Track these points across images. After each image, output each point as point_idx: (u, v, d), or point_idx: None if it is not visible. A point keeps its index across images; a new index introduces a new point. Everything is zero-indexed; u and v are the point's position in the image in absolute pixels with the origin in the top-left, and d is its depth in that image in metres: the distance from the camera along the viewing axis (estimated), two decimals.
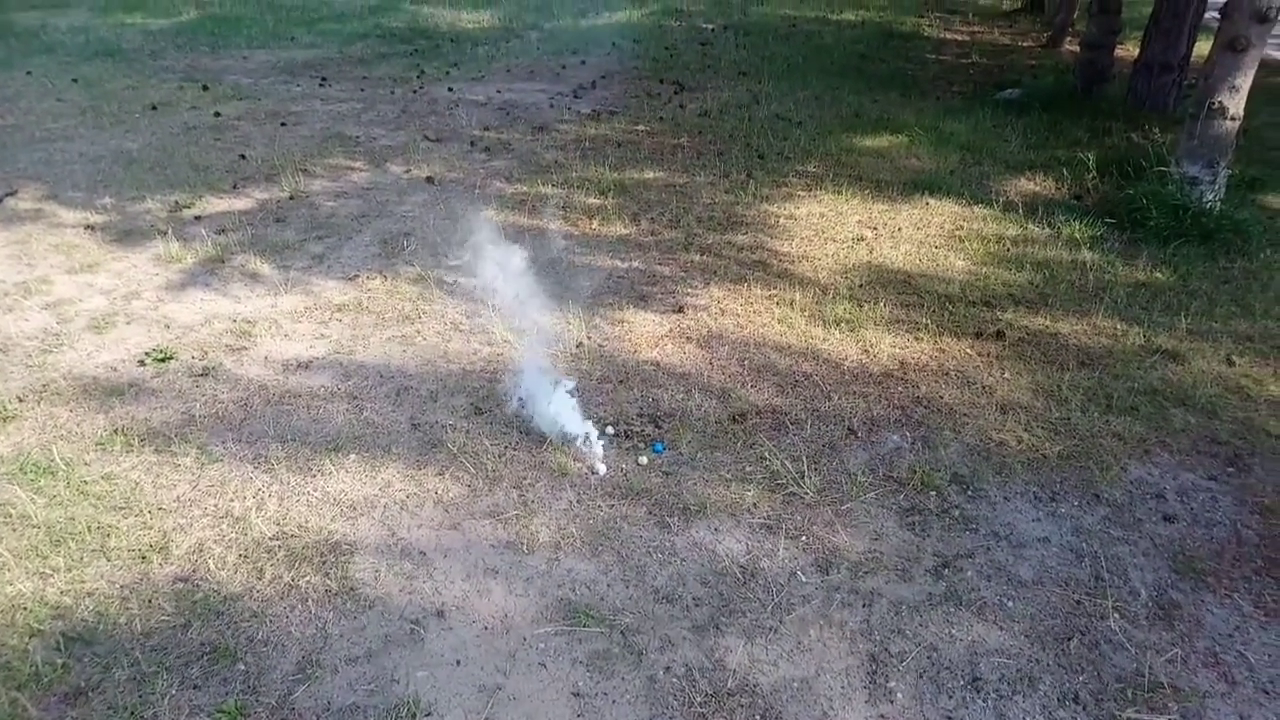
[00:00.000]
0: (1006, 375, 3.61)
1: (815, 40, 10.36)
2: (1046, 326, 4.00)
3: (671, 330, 3.93)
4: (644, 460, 3.05)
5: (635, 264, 4.57)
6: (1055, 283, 4.42)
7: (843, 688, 2.23)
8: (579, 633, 2.36)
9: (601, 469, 2.99)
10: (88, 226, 4.77)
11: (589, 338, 3.82)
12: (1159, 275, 4.49)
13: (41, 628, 2.31)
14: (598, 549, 2.65)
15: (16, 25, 9.58)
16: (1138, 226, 5.00)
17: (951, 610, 2.47)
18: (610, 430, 3.21)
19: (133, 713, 2.10)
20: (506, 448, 3.09)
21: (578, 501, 2.85)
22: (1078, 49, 8.61)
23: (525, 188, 5.55)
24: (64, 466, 2.90)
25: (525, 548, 2.65)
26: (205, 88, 7.57)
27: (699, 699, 2.18)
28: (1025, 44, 10.65)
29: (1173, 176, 5.12)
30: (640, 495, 2.89)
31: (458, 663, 2.26)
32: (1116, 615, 2.46)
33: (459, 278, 4.30)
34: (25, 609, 2.36)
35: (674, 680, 2.23)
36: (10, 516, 2.67)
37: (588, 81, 8.29)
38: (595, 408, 3.33)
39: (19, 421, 3.15)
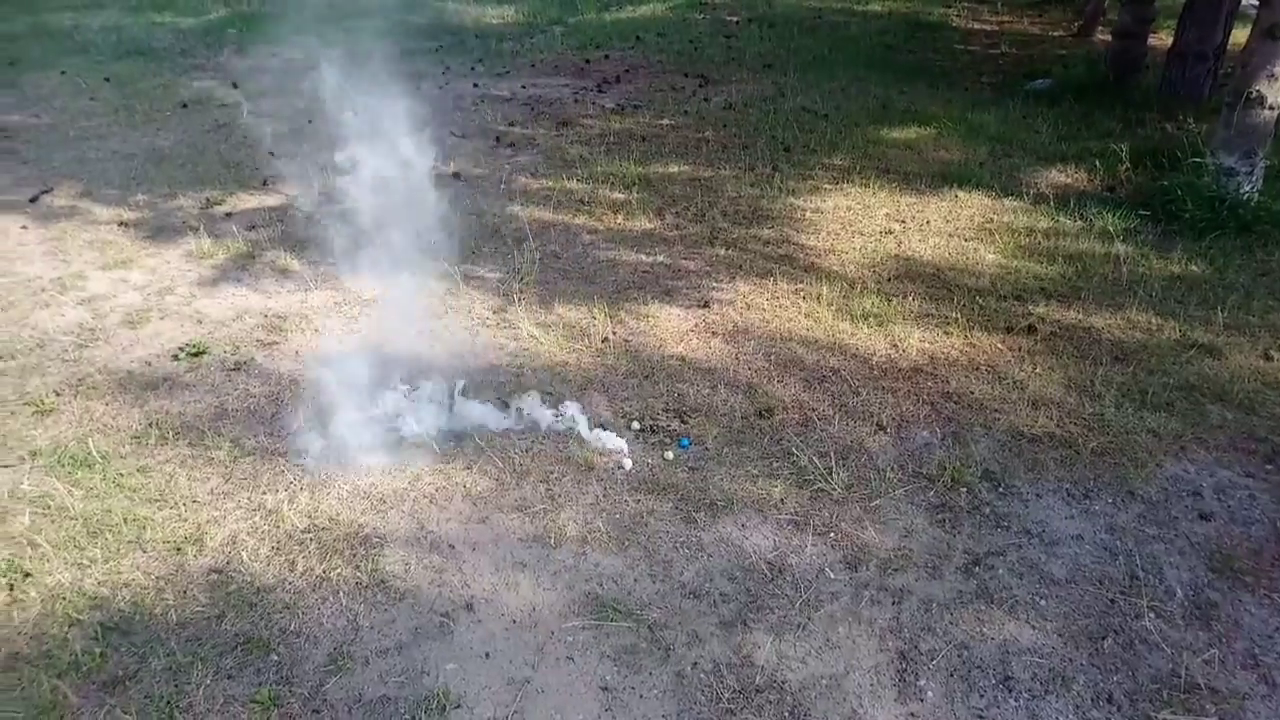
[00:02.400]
0: (1038, 370, 3.56)
1: (841, 32, 10.27)
2: (1079, 320, 3.94)
3: (697, 325, 3.92)
4: (670, 455, 3.05)
5: (660, 258, 4.56)
6: (1088, 276, 4.35)
7: (872, 685, 2.22)
8: (606, 627, 2.37)
9: (627, 464, 3.00)
10: (121, 223, 4.84)
11: (614, 333, 3.82)
12: (1195, 268, 4.41)
13: (80, 617, 2.36)
14: (624, 544, 2.66)
15: (50, 25, 9.74)
16: (1173, 219, 4.91)
17: (983, 608, 2.45)
18: (636, 425, 3.21)
19: (169, 702, 2.14)
20: (533, 442, 3.10)
21: (604, 496, 2.86)
22: (1109, 38, 8.45)
23: (550, 183, 5.56)
24: (100, 459, 2.95)
25: (552, 542, 2.66)
26: (235, 85, 7.66)
27: (727, 695, 2.18)
28: (1055, 34, 10.47)
29: (1209, 167, 5.02)
30: (666, 490, 2.89)
31: (487, 655, 2.28)
32: (1152, 614, 2.42)
33: (485, 273, 4.32)
34: (64, 599, 2.41)
35: (702, 676, 2.23)
36: (49, 508, 2.73)
37: (612, 76, 8.27)
38: (621, 403, 3.34)
39: (57, 415, 3.21)
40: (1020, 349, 3.72)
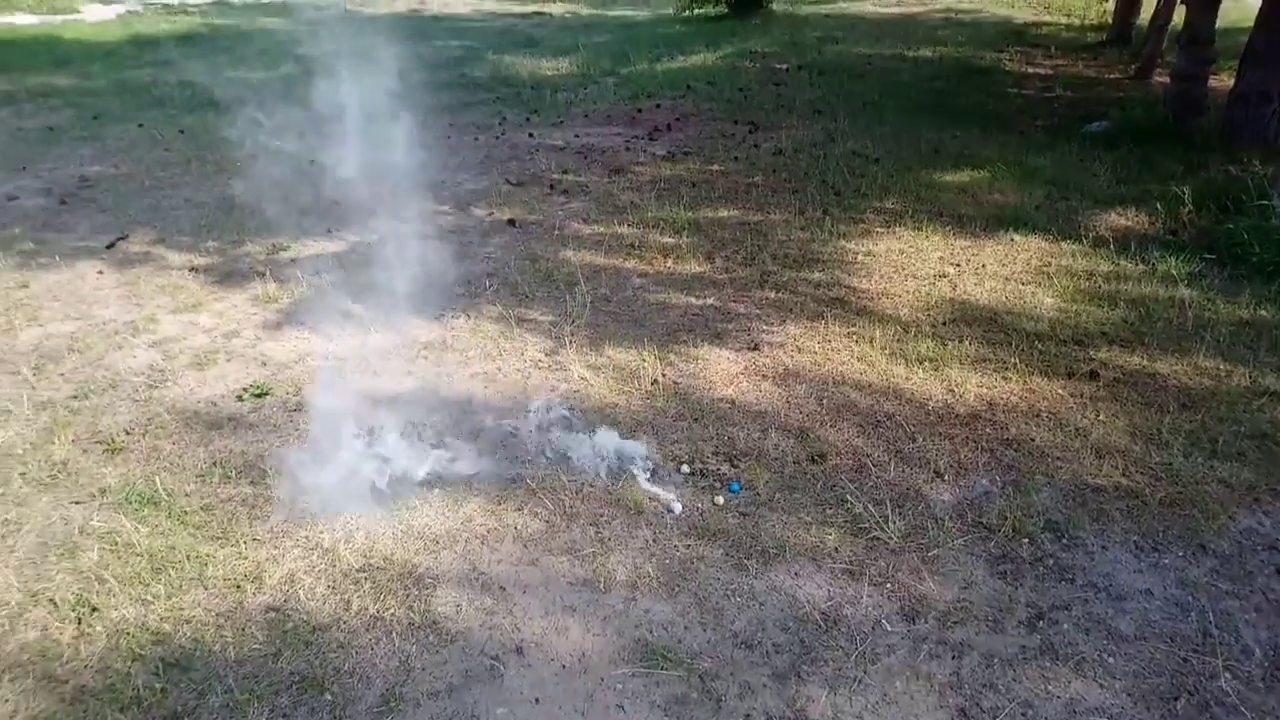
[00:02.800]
0: (1102, 417, 3.46)
1: (891, 77, 10.31)
2: (1144, 366, 3.83)
3: (747, 368, 3.91)
4: (720, 500, 3.03)
5: (710, 301, 4.58)
6: (1152, 320, 4.23)
7: None
8: (656, 675, 2.34)
9: (677, 508, 2.98)
10: (192, 268, 5.05)
11: (663, 375, 3.83)
12: (1264, 313, 4.26)
13: (143, 653, 2.41)
14: (674, 590, 2.63)
15: (131, 81, 10.30)
16: (1239, 262, 4.77)
17: (1047, 665, 2.36)
18: (685, 469, 3.20)
19: None
20: (583, 484, 3.11)
21: (653, 540, 2.85)
22: (1168, 80, 8.32)
23: (601, 228, 5.64)
24: (166, 497, 3.04)
25: (602, 586, 2.65)
26: (300, 136, 7.98)
27: None
28: (1112, 76, 10.36)
29: (1276, 210, 4.88)
30: (717, 536, 2.86)
31: (536, 701, 2.27)
32: (1228, 675, 2.31)
33: (537, 316, 4.39)
34: (129, 634, 2.47)
35: None
36: (116, 544, 2.81)
37: (663, 124, 8.41)
38: (670, 445, 3.33)
39: (126, 453, 3.33)
40: (1082, 395, 3.62)
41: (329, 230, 5.63)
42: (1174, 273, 4.71)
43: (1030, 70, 10.77)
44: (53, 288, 4.77)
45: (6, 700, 2.27)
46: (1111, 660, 2.37)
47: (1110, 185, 6.23)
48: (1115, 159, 6.75)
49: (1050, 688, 2.29)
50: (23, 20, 14.53)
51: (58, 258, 5.13)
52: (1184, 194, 5.56)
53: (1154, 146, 7.01)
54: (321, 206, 6.11)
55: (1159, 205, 5.66)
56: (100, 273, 4.99)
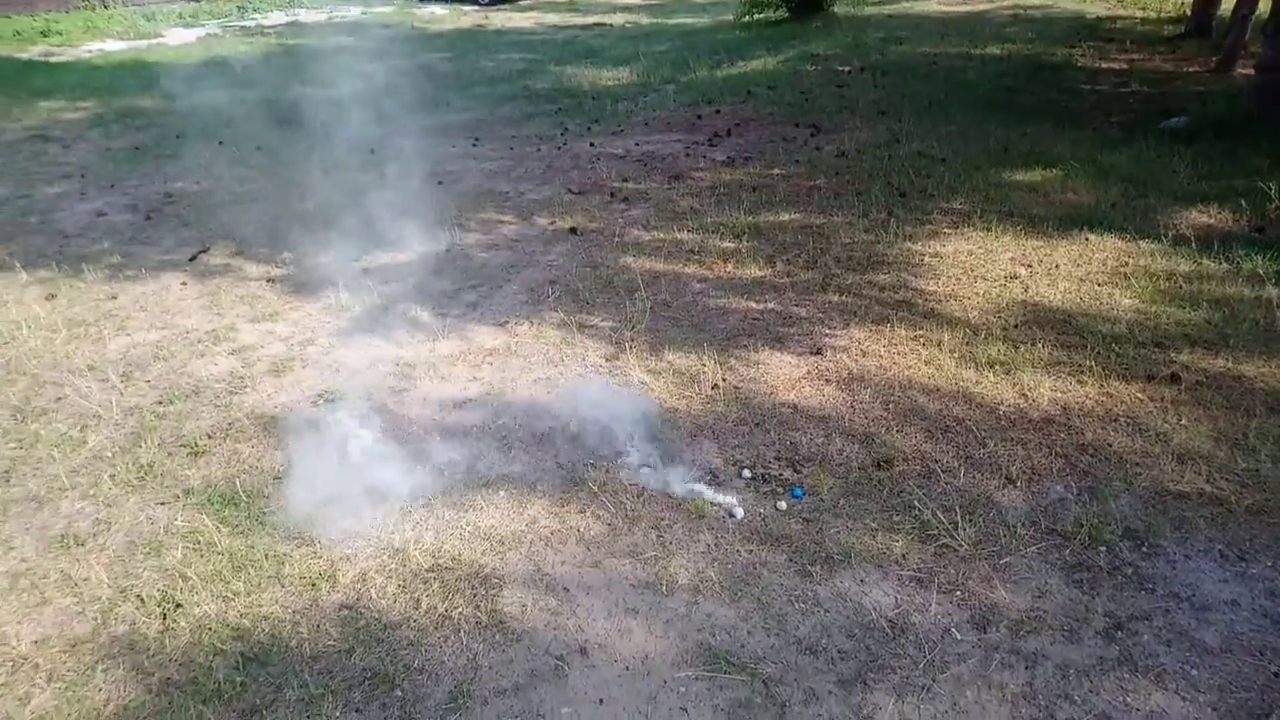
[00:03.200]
0: (1183, 422, 3.32)
1: (958, 76, 10.09)
2: (1228, 369, 3.67)
3: (809, 372, 3.87)
4: (783, 505, 3.01)
5: (771, 305, 4.55)
6: (1236, 321, 4.05)
7: None
8: (719, 679, 2.33)
9: (739, 513, 2.97)
10: (269, 279, 5.24)
11: (724, 379, 3.83)
12: None
13: (224, 647, 2.51)
14: (737, 595, 2.62)
15: (212, 101, 10.76)
16: None
17: (1126, 676, 2.27)
18: (747, 474, 3.19)
19: None
20: (644, 488, 3.12)
21: (715, 545, 2.84)
22: (1251, 72, 7.95)
23: (662, 234, 5.66)
24: (246, 498, 3.16)
25: (664, 589, 2.66)
26: (371, 151, 8.21)
27: None
28: (1191, 69, 9.95)
29: None
30: (780, 541, 2.84)
31: (600, 701, 2.28)
32: None
33: (598, 322, 4.43)
34: (210, 629, 2.58)
35: None
36: (199, 543, 2.94)
37: (723, 130, 8.40)
38: (731, 450, 3.32)
39: (208, 456, 3.47)
40: (1163, 399, 3.48)
41: (397, 241, 5.78)
42: (1260, 271, 4.49)
43: (1104, 65, 10.42)
44: (139, 299, 5.01)
45: (100, 689, 2.39)
46: (1195, 673, 2.27)
47: (1190, 182, 5.98)
48: (1195, 154, 6.48)
49: (1129, 699, 2.20)
50: (112, 46, 15.34)
51: (144, 270, 5.38)
52: (1270, 189, 5.31)
53: (1237, 141, 6.70)
54: (391, 217, 6.28)
55: (1243, 201, 5.41)
56: (184, 284, 5.22)
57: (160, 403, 3.88)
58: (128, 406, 3.85)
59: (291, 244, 5.80)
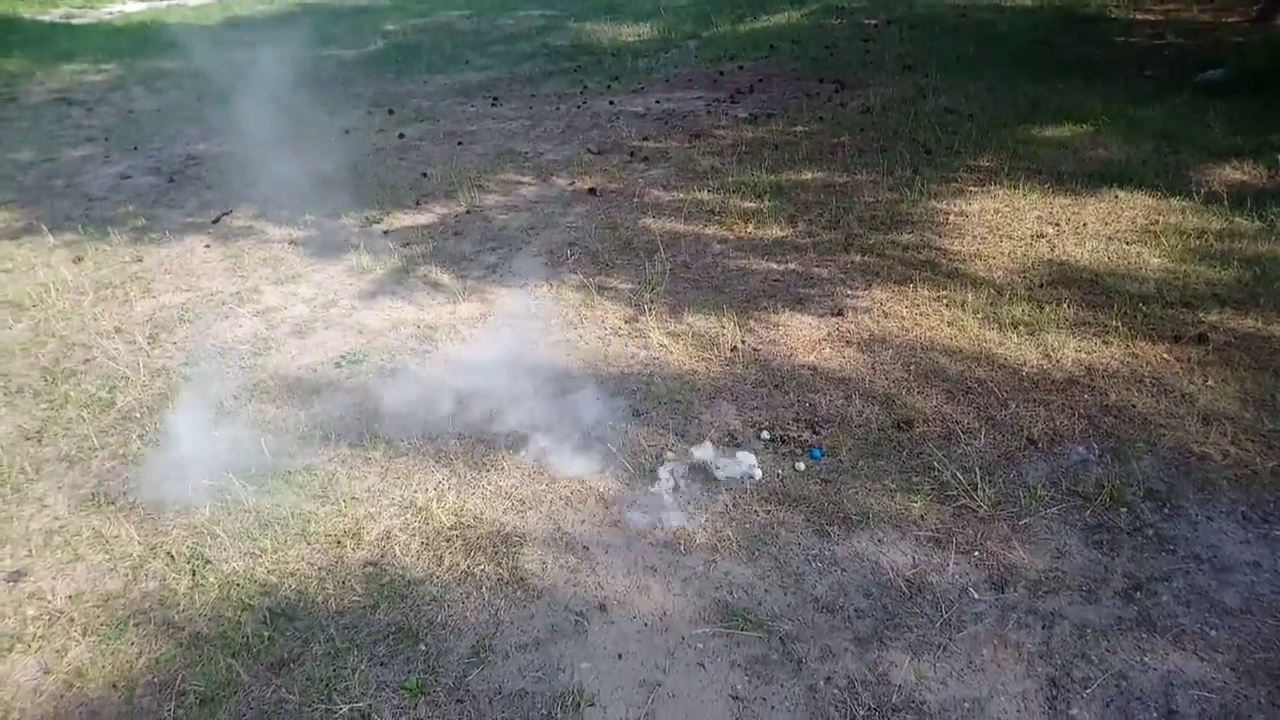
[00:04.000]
0: (1210, 383, 3.28)
1: (987, 29, 9.82)
2: (1257, 329, 3.60)
3: (830, 334, 3.85)
4: (801, 466, 3.01)
5: (792, 266, 4.51)
6: (1268, 281, 3.96)
7: (1019, 712, 2.10)
8: (737, 636, 2.36)
9: (757, 474, 2.98)
10: (291, 241, 5.27)
11: (743, 341, 3.81)
12: None
13: (252, 603, 2.58)
14: (755, 554, 2.65)
15: (231, 62, 10.73)
16: None
17: (1144, 636, 2.27)
18: (765, 435, 3.19)
19: (328, 684, 2.30)
20: (663, 449, 3.14)
21: (733, 505, 2.86)
22: None
23: (682, 194, 5.61)
24: (271, 458, 3.22)
25: (682, 548, 2.69)
26: (390, 111, 8.18)
27: (861, 712, 2.13)
28: (1230, 20, 9.60)
29: None
30: (798, 502, 2.85)
31: (619, 656, 2.32)
32: None
33: (618, 284, 4.42)
34: (238, 585, 2.64)
35: (835, 691, 2.19)
36: (226, 501, 3.00)
37: (745, 86, 8.26)
38: (750, 412, 3.32)
39: (234, 416, 3.53)
40: (1189, 360, 3.43)
41: (418, 203, 5.78)
42: None
43: (1139, 17, 10.09)
44: (164, 261, 5.06)
45: (132, 643, 2.47)
46: (1214, 633, 2.26)
47: (1225, 137, 5.81)
48: (1231, 109, 6.28)
49: (1146, 659, 2.21)
50: (133, 7, 15.29)
51: (168, 233, 5.43)
52: None
53: (1275, 94, 6.49)
54: (410, 179, 6.27)
55: (1279, 157, 5.25)
56: (207, 246, 5.26)
57: (186, 364, 3.94)
58: (155, 368, 3.91)
59: (313, 206, 5.81)
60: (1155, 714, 2.07)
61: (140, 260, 5.08)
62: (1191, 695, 2.11)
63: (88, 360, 4.00)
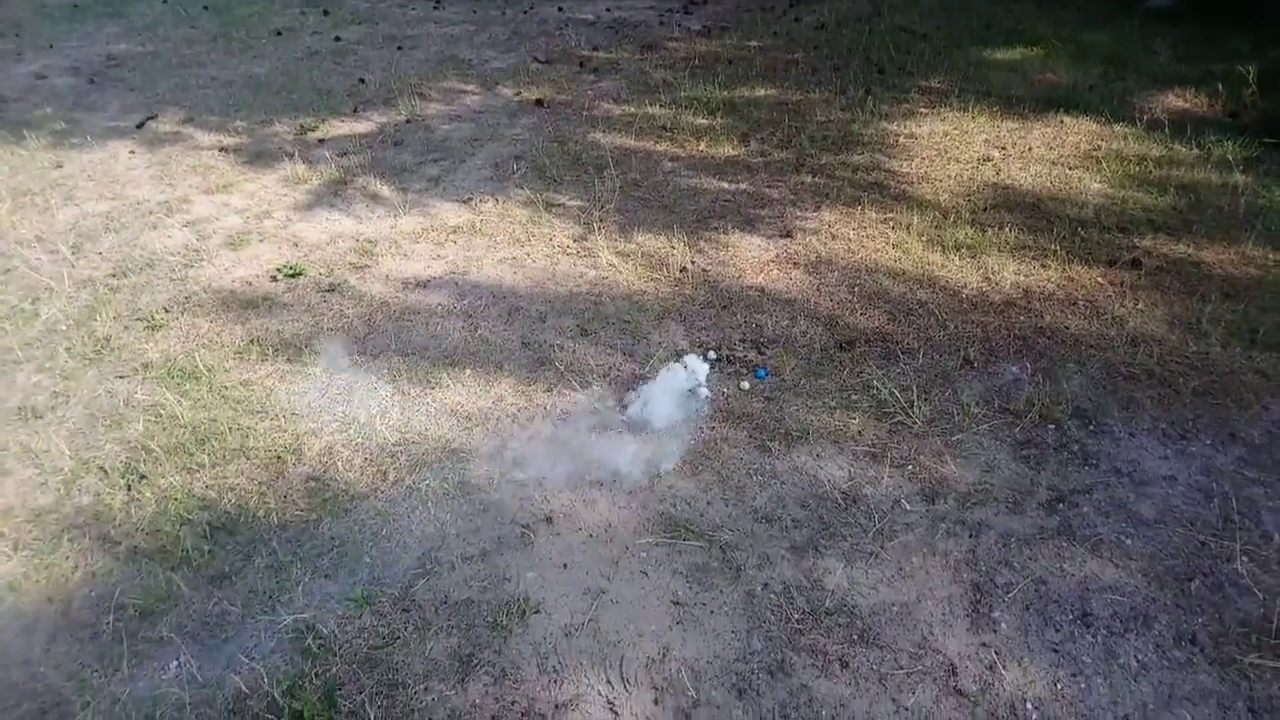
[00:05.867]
0: (1140, 306, 3.39)
1: None
2: (1189, 254, 3.71)
3: (779, 255, 3.85)
4: (746, 385, 3.05)
5: (743, 186, 4.48)
6: (1201, 208, 4.07)
7: (944, 615, 2.22)
8: (679, 546, 2.42)
9: (704, 393, 3.01)
10: (222, 149, 5.03)
11: (693, 262, 3.80)
12: None
13: (190, 517, 2.54)
14: (698, 469, 2.69)
15: None
16: None
17: (1064, 545, 2.40)
18: (712, 355, 3.21)
19: (271, 596, 2.30)
20: (611, 368, 3.15)
21: (680, 422, 2.89)
22: None
23: (633, 109, 5.49)
24: (206, 372, 3.14)
25: (629, 464, 2.71)
26: (326, 12, 7.76)
27: (796, 616, 2.22)
28: None
29: None
30: (741, 419, 2.89)
31: (565, 566, 2.37)
32: (1244, 558, 2.33)
33: (566, 200, 4.34)
34: (176, 499, 2.60)
35: (771, 596, 2.27)
36: (160, 416, 2.93)
37: None
38: (698, 332, 3.34)
39: (166, 330, 3.42)
40: (1122, 283, 3.53)
41: (355, 110, 5.54)
42: (1230, 158, 4.49)
43: None
44: (86, 167, 4.80)
45: (67, 557, 2.42)
46: (1129, 542, 2.40)
47: (1170, 64, 5.88)
48: (1178, 36, 6.34)
49: (1065, 566, 2.33)
50: None
51: (89, 138, 5.13)
52: (1248, 73, 5.23)
53: (1221, 22, 6.55)
54: (348, 85, 6.00)
55: (1220, 86, 5.34)
56: (132, 152, 4.99)
57: (114, 275, 3.78)
58: (80, 279, 3.74)
59: (244, 112, 5.54)
60: (1071, 616, 2.20)
61: (60, 166, 4.81)
62: (1105, 599, 2.24)
63: (8, 270, 3.81)
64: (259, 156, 4.92)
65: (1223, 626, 2.16)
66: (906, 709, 2.00)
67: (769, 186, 4.47)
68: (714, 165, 4.72)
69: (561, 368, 3.14)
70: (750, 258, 3.84)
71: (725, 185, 4.50)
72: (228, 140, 5.14)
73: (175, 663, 2.14)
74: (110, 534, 2.50)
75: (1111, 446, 2.73)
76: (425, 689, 2.07)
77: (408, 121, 5.35)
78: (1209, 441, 2.73)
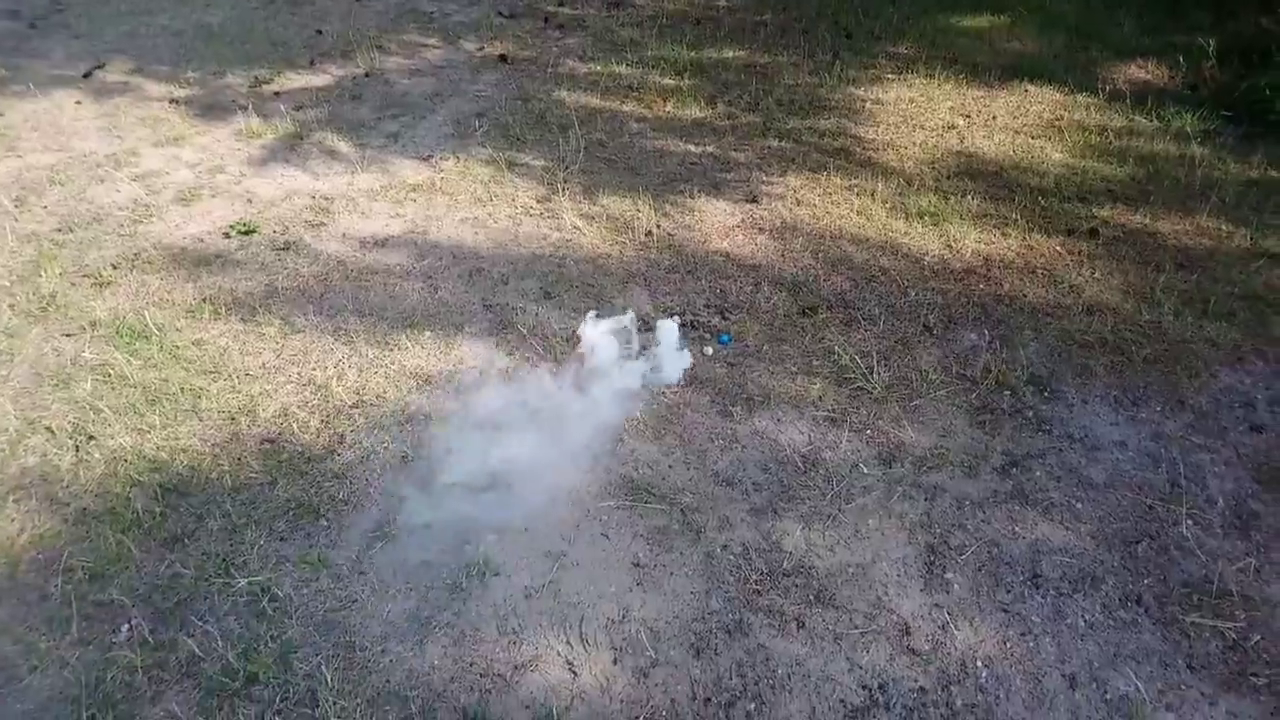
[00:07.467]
0: (1097, 275, 3.44)
1: None
2: (1145, 225, 3.77)
3: (744, 220, 3.84)
4: (709, 351, 3.05)
5: (710, 149, 4.44)
6: (1159, 179, 4.13)
7: (899, 576, 2.26)
8: (640, 509, 2.43)
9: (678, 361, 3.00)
10: (173, 100, 4.85)
11: (658, 226, 3.77)
12: (1274, 173, 4.15)
13: (141, 479, 2.49)
14: (661, 433, 2.70)
15: None
16: (1256, 120, 4.60)
17: (1016, 508, 2.45)
18: (676, 321, 3.20)
19: (225, 559, 2.27)
20: (574, 332, 3.12)
21: (642, 387, 2.88)
22: None
23: (599, 67, 5.39)
24: (157, 332, 3.05)
25: (591, 428, 2.71)
26: None
27: (754, 576, 2.24)
28: None
29: None
30: (704, 384, 2.90)
31: (525, 530, 2.37)
32: (1190, 522, 2.40)
33: (530, 160, 4.26)
34: (126, 461, 2.54)
35: (731, 558, 2.29)
36: (109, 376, 2.85)
37: None
38: (662, 297, 3.32)
39: (114, 288, 3.31)
40: (1080, 253, 3.58)
41: (312, 62, 5.37)
42: (1188, 129, 4.55)
43: None
44: (30, 117, 4.60)
45: (13, 520, 2.36)
46: (1079, 506, 2.46)
47: (1134, 35, 5.92)
48: (1142, 7, 6.37)
49: (1017, 529, 2.39)
50: None
51: (32, 86, 4.91)
52: (1208, 46, 5.29)
53: None
54: (304, 36, 5.81)
55: (1181, 58, 5.39)
56: (78, 103, 4.79)
57: (60, 230, 3.64)
58: (24, 233, 3.60)
59: (195, 62, 5.34)
60: (1022, 577, 2.26)
61: (2, 115, 4.60)
62: (1055, 560, 2.30)
63: None
64: (211, 109, 4.76)
65: (1167, 588, 2.23)
66: (861, 667, 2.05)
67: (735, 150, 4.44)
68: (681, 127, 4.67)
69: (524, 331, 3.11)
70: (716, 222, 3.81)
71: (692, 148, 4.45)
72: (179, 91, 4.95)
73: (126, 626, 2.11)
74: (58, 495, 2.43)
75: (1065, 412, 2.79)
76: (383, 651, 2.06)
77: (366, 75, 5.20)
78: (1159, 408, 2.80)
